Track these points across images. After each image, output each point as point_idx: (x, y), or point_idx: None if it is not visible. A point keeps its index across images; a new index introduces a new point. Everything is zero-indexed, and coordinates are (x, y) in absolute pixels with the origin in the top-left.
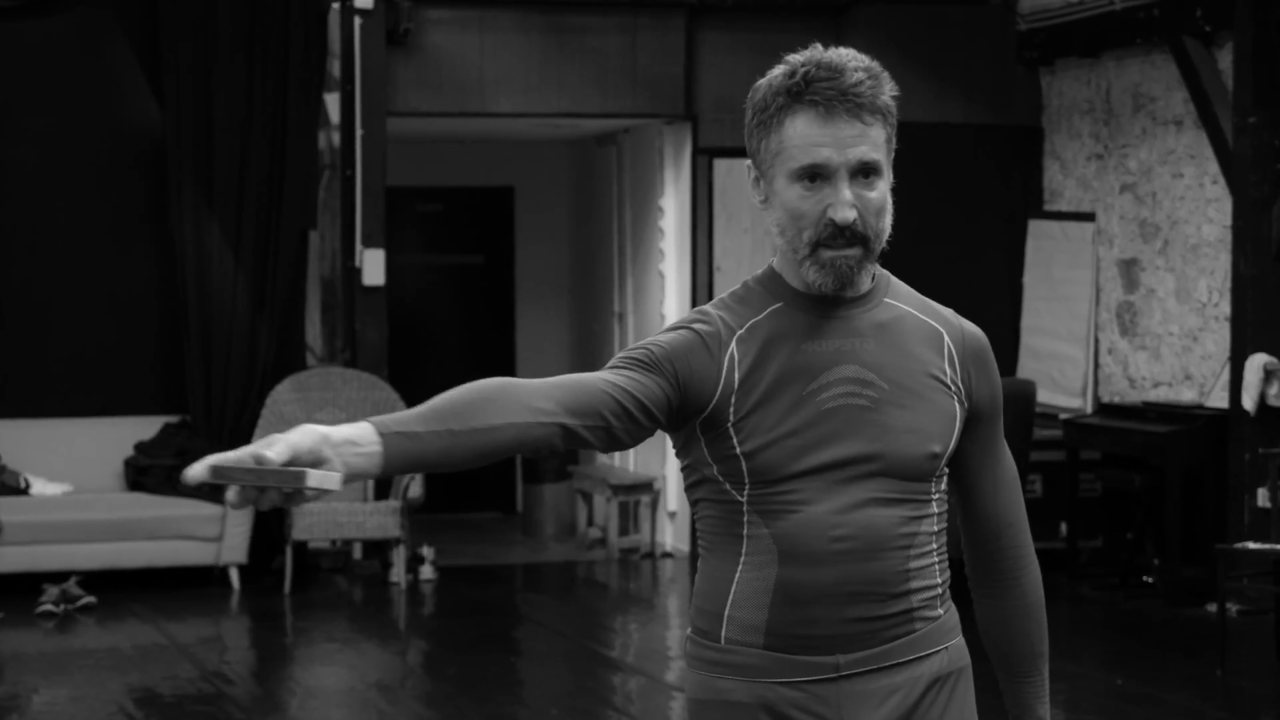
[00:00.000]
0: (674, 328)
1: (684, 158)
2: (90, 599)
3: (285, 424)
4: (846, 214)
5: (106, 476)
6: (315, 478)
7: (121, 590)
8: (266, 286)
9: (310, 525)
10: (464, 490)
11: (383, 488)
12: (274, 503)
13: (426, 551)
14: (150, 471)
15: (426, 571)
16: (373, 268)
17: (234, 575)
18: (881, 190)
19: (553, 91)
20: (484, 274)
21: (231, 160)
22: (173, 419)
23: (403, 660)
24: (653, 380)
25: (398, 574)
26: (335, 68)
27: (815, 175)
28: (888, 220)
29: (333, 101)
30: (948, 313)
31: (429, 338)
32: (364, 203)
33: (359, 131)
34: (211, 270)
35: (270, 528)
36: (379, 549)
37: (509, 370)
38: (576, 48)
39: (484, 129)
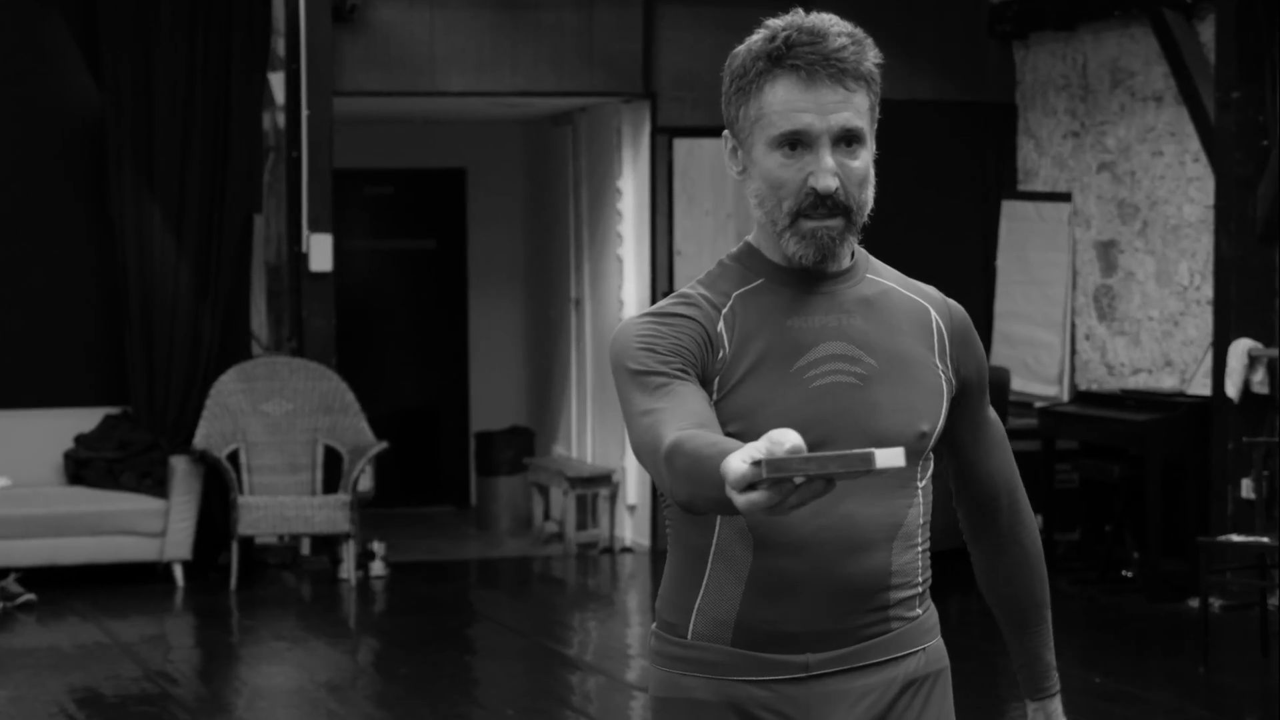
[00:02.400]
0: (666, 315)
1: (642, 138)
2: (29, 596)
3: (230, 415)
4: (829, 182)
5: (45, 470)
6: (883, 457)
7: (62, 587)
8: (210, 273)
9: (257, 520)
10: (416, 483)
11: (331, 481)
12: (818, 495)
13: (377, 547)
14: (91, 465)
15: (377, 567)
16: (320, 253)
17: (178, 572)
18: (864, 160)
19: (506, 70)
20: (435, 259)
21: (173, 142)
22: (113, 410)
23: (353, 659)
24: (701, 390)
25: (347, 570)
26: (280, 45)
27: (796, 142)
28: (870, 192)
29: (277, 81)
30: (931, 290)
31: (378, 326)
32: (310, 186)
33: (305, 112)
34: (153, 256)
35: (215, 522)
36: (328, 544)
37: (461, 359)
38: (530, 24)
39: (435, 109)
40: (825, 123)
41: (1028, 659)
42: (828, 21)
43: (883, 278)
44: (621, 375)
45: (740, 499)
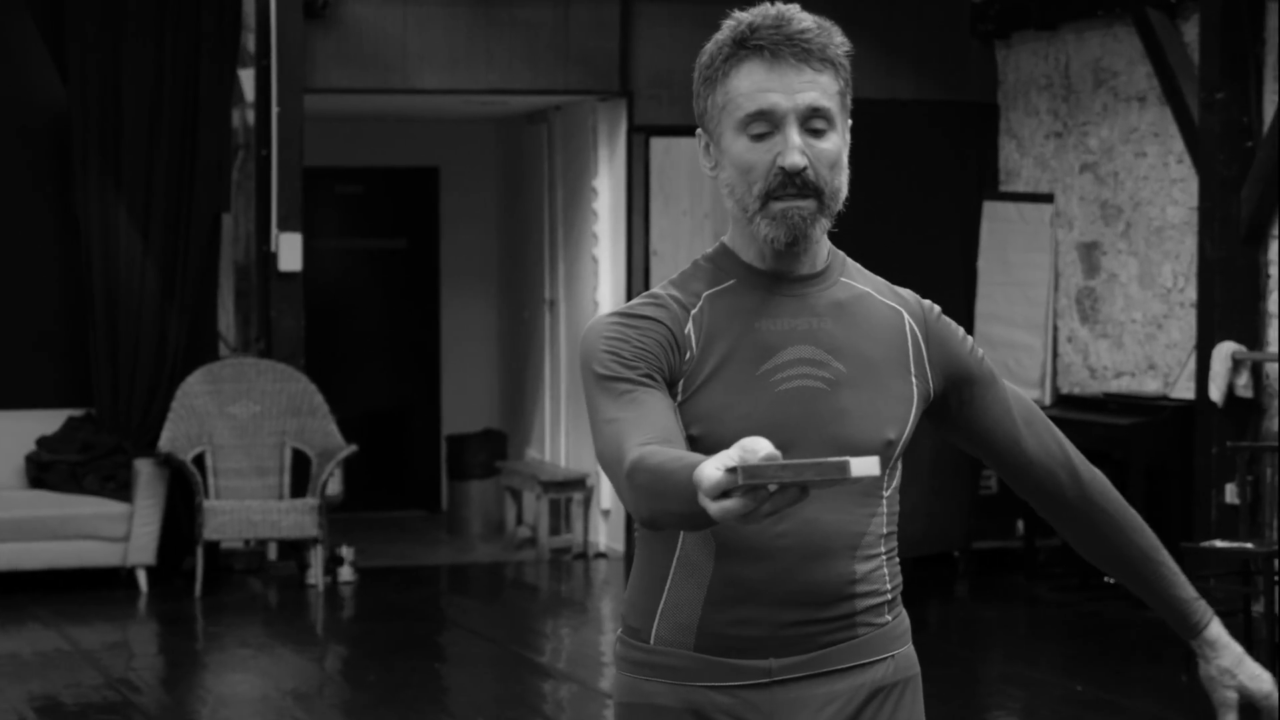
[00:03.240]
0: (633, 317)
1: (619, 136)
2: None
3: (196, 417)
4: (796, 159)
5: (7, 473)
6: (858, 465)
7: (23, 593)
8: (177, 272)
9: (222, 525)
10: (386, 487)
11: (299, 484)
12: (793, 503)
13: (345, 552)
14: (53, 468)
15: (345, 573)
16: (289, 253)
17: (142, 577)
18: (835, 144)
19: (480, 67)
20: (407, 259)
21: (140, 139)
22: (76, 412)
23: (320, 667)
24: (667, 397)
25: (315, 575)
26: (250, 42)
27: (763, 123)
28: (843, 179)
29: (247, 77)
30: (907, 294)
31: (348, 327)
32: (280, 184)
33: (275, 109)
34: (119, 255)
35: (180, 527)
36: (295, 549)
37: (433, 361)
38: (505, 20)
39: (407, 106)
40: (791, 101)
41: (1163, 604)
42: (793, 9)
43: (857, 281)
44: (588, 378)
45: (714, 507)
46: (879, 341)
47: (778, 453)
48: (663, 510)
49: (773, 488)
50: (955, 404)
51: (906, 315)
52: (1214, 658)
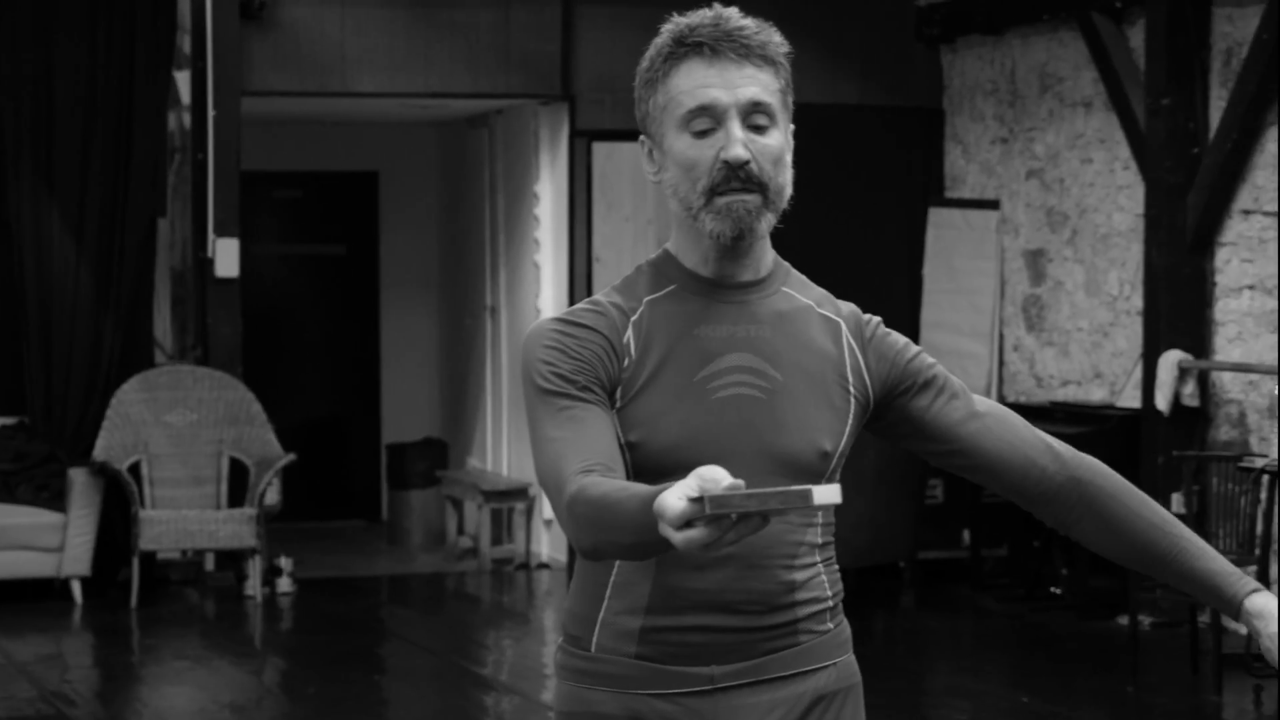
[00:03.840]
0: (573, 325)
1: (561, 141)
2: None
3: (132, 425)
4: (739, 151)
5: None
6: (820, 494)
7: None
8: (112, 278)
9: (159, 535)
10: (325, 496)
11: (237, 494)
12: (755, 531)
13: (284, 562)
14: None
15: (284, 584)
16: (226, 258)
17: (76, 588)
18: (777, 140)
19: (420, 70)
20: (346, 265)
21: (73, 142)
22: (9, 421)
23: (258, 679)
24: (607, 411)
25: (253, 586)
26: (186, 43)
27: (705, 119)
28: (788, 176)
29: (183, 80)
30: (846, 306)
31: (287, 334)
32: (217, 188)
33: (211, 112)
34: (52, 260)
35: (115, 537)
36: (233, 560)
37: (372, 368)
38: (445, 23)
39: (346, 110)
40: (733, 96)
41: (1195, 583)
42: (731, 10)
43: (798, 292)
44: (529, 389)
45: (678, 536)
46: (817, 353)
47: (740, 482)
48: (607, 541)
49: (734, 517)
50: (907, 415)
51: (845, 328)
52: (1263, 629)
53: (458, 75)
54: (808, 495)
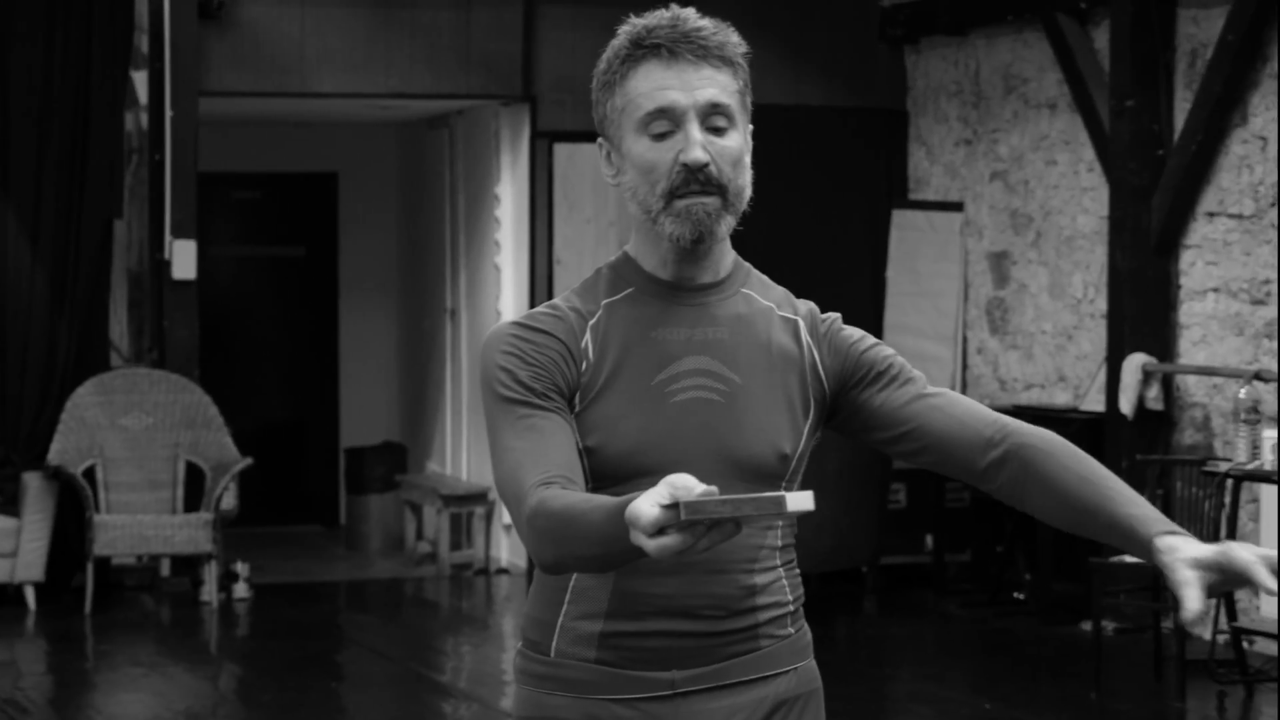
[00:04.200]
0: (532, 330)
1: (522, 142)
2: None
3: (87, 429)
4: (698, 154)
5: None
6: (794, 500)
7: None
8: (67, 280)
9: (114, 540)
10: (282, 501)
11: (193, 499)
12: (727, 538)
13: (240, 568)
14: None
15: (240, 589)
16: (183, 260)
17: (30, 594)
18: (736, 141)
19: (380, 70)
20: (305, 267)
21: (29, 142)
22: None
23: (214, 686)
24: (567, 418)
25: (209, 592)
26: (143, 43)
27: (664, 122)
28: (747, 178)
29: (140, 80)
30: (802, 304)
31: (244, 336)
32: (174, 190)
33: (169, 112)
34: (6, 261)
35: (69, 542)
36: (189, 565)
37: (330, 372)
38: (406, 23)
39: (305, 110)
40: (691, 98)
41: (1115, 529)
42: (688, 11)
43: (757, 293)
44: (488, 395)
45: (652, 544)
46: (777, 354)
47: (713, 488)
48: (570, 554)
49: (707, 524)
50: (860, 406)
51: (802, 326)
52: (1171, 562)
53: (418, 75)
54: (781, 502)
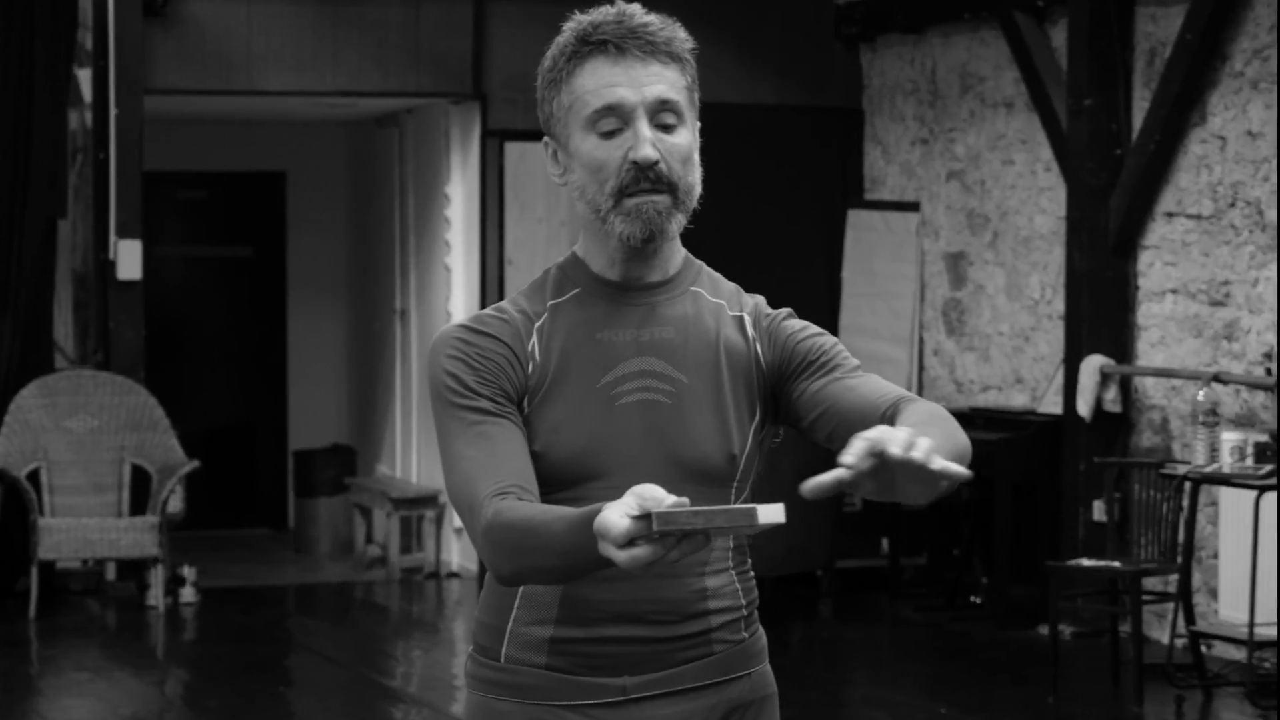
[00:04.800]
0: (478, 334)
1: (472, 141)
2: None
3: (31, 432)
4: (648, 151)
5: None
6: (765, 513)
7: None
8: (10, 281)
9: (58, 543)
10: (230, 504)
11: (139, 502)
12: (698, 550)
13: (187, 571)
14: None
15: (187, 594)
16: (128, 260)
17: None
18: (685, 138)
19: (328, 68)
20: (252, 268)
21: None
22: None
23: (160, 691)
24: (517, 423)
25: (155, 597)
26: (87, 40)
27: (612, 119)
28: (697, 175)
29: (84, 77)
30: (749, 299)
31: (191, 338)
32: (119, 189)
33: (113, 111)
34: None
35: (13, 546)
36: (135, 569)
37: (279, 373)
38: (354, 20)
39: (252, 109)
40: (639, 95)
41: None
42: (634, 6)
43: (707, 290)
44: (437, 403)
45: (623, 555)
46: (727, 352)
47: (684, 499)
48: (529, 566)
49: (678, 535)
50: (794, 397)
51: (748, 322)
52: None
53: (367, 73)
54: (753, 514)
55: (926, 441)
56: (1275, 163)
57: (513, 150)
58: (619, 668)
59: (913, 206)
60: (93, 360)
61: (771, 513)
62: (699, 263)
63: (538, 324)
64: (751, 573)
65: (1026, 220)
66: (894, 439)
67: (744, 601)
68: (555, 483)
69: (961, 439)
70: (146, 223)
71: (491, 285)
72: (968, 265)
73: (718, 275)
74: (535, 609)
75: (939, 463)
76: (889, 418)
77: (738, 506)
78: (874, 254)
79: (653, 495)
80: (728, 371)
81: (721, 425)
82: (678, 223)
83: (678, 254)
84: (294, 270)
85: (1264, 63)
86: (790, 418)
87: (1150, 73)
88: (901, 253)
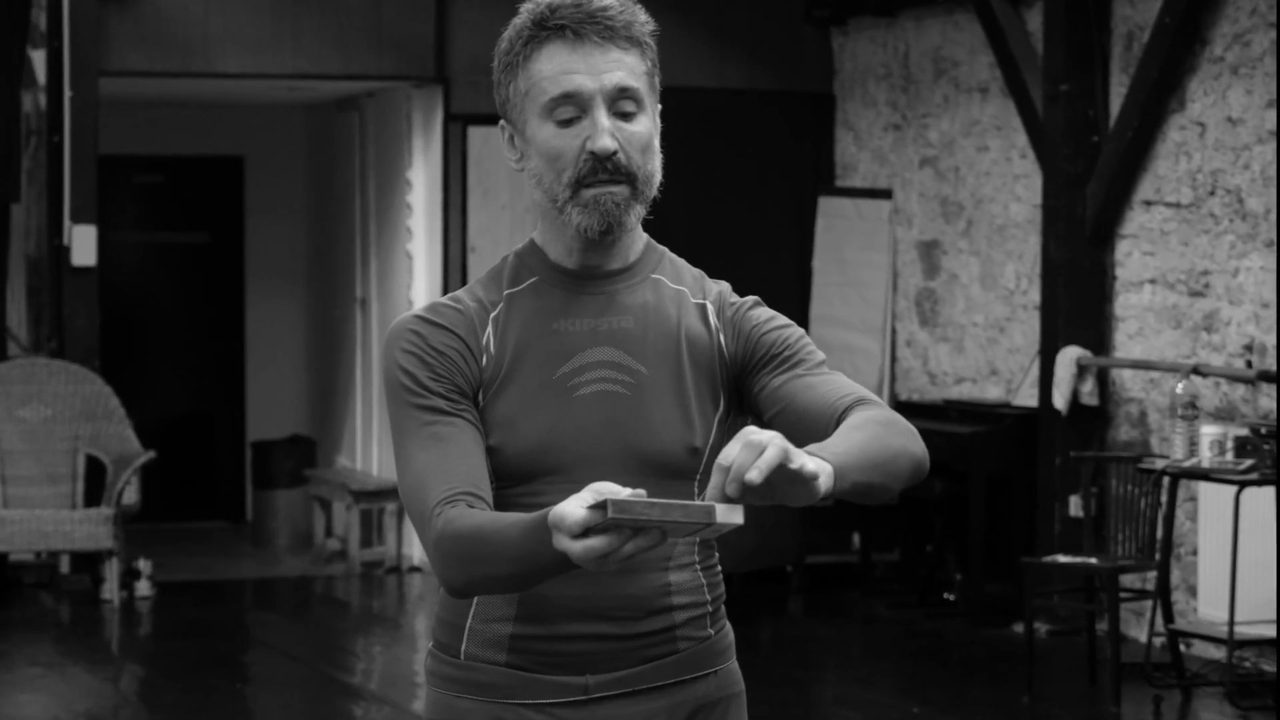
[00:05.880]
0: (433, 325)
1: (434, 125)
2: None
3: None
4: (606, 142)
5: None
6: (723, 512)
7: None
8: None
9: (11, 535)
10: (187, 496)
11: (93, 493)
12: (654, 546)
13: (143, 565)
14: None
15: (143, 587)
16: (83, 246)
17: None
18: (645, 127)
19: (287, 50)
20: (209, 254)
21: None
22: None
23: (115, 687)
24: (472, 419)
25: (110, 590)
26: (41, 20)
27: (570, 107)
28: (656, 163)
29: (38, 59)
30: (713, 285)
31: (147, 325)
32: (73, 173)
33: (68, 93)
34: None
35: None
36: (89, 562)
37: (236, 362)
38: (314, 1)
39: (210, 91)
40: (598, 82)
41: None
42: None
43: (668, 278)
44: (391, 398)
45: (578, 547)
46: (687, 342)
47: (641, 490)
48: (482, 575)
49: (632, 529)
50: (758, 392)
51: (710, 310)
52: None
53: (327, 56)
54: (710, 512)
55: (761, 464)
56: (1255, 150)
57: (476, 135)
58: (581, 666)
59: (885, 194)
60: (46, 348)
61: (730, 513)
62: (661, 248)
63: (493, 314)
64: (718, 568)
65: (1001, 208)
66: (731, 478)
67: (709, 597)
68: (512, 478)
69: (897, 445)
70: (101, 208)
71: (454, 273)
72: (941, 254)
73: (680, 261)
74: (494, 605)
75: (752, 480)
76: (839, 422)
77: (696, 503)
78: (845, 242)
79: (609, 489)
80: (689, 362)
81: (683, 417)
82: (637, 213)
83: (638, 240)
84: (252, 257)
85: (1245, 47)
86: (752, 410)
87: (1128, 57)
88: (874, 241)
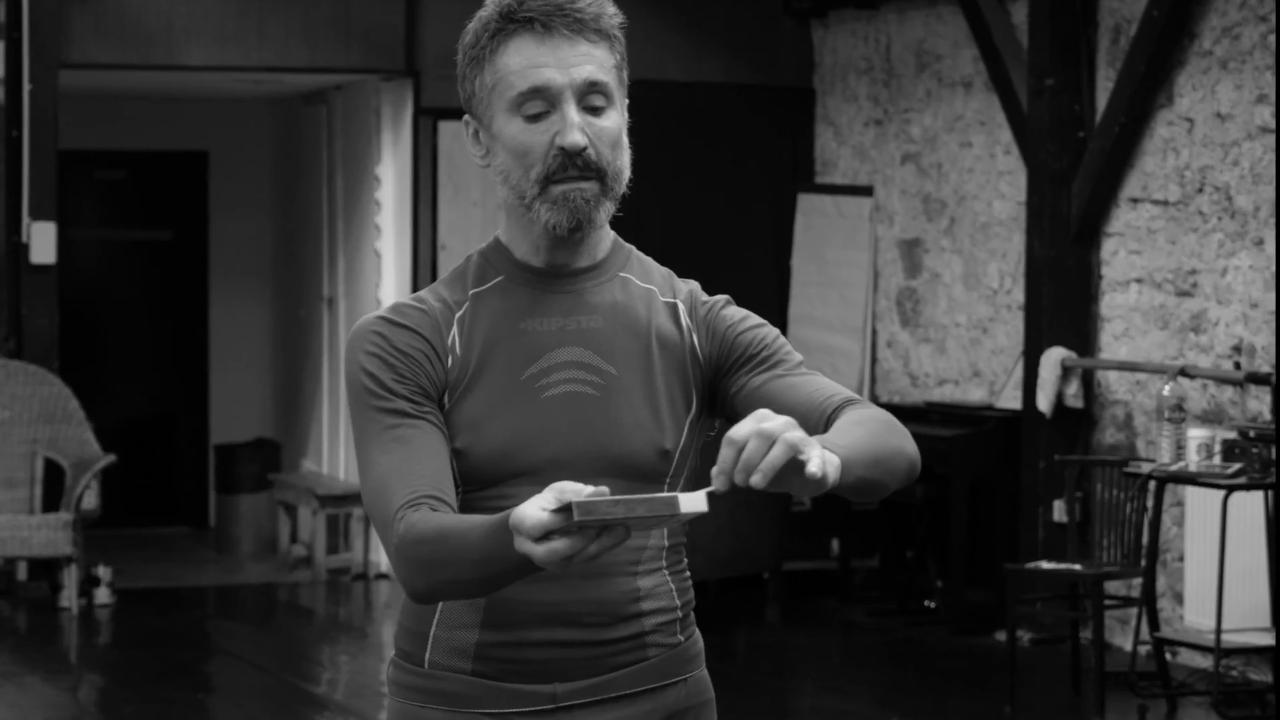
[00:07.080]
0: (397, 326)
1: (404, 120)
2: None
3: None
4: (576, 137)
5: None
6: (686, 502)
7: None
8: None
9: None
10: (148, 501)
11: (52, 498)
12: (618, 544)
13: (103, 572)
14: None
15: (102, 595)
16: (42, 243)
17: None
18: (615, 122)
19: (252, 42)
20: (172, 252)
21: None
22: None
23: (74, 697)
24: (436, 423)
25: (69, 598)
26: (0, 11)
27: (538, 102)
28: (626, 159)
29: None
30: (683, 285)
31: (107, 325)
32: (32, 168)
33: (27, 86)
34: None
35: None
36: (47, 569)
37: (200, 363)
38: None
39: (173, 84)
40: (567, 76)
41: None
42: None
43: (636, 276)
44: (353, 401)
45: (540, 549)
46: (656, 342)
47: (604, 489)
48: (444, 580)
49: (597, 528)
50: (733, 393)
51: (681, 310)
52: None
53: (294, 48)
54: (674, 503)
55: (765, 467)
56: (1245, 146)
57: (446, 130)
58: (549, 674)
59: (866, 191)
60: (4, 348)
61: (693, 501)
62: (628, 246)
63: (458, 314)
64: (687, 573)
65: (985, 206)
66: (740, 469)
67: (679, 603)
68: (478, 480)
69: (895, 443)
70: (61, 204)
71: (424, 271)
72: (923, 253)
73: (648, 259)
74: (460, 612)
75: (762, 479)
76: (830, 422)
77: (658, 495)
78: (825, 241)
79: (571, 489)
80: (660, 362)
81: (653, 418)
82: (606, 210)
83: (606, 238)
84: (216, 255)
85: (1234, 41)
86: (727, 412)
87: (1115, 51)
88: (854, 239)
